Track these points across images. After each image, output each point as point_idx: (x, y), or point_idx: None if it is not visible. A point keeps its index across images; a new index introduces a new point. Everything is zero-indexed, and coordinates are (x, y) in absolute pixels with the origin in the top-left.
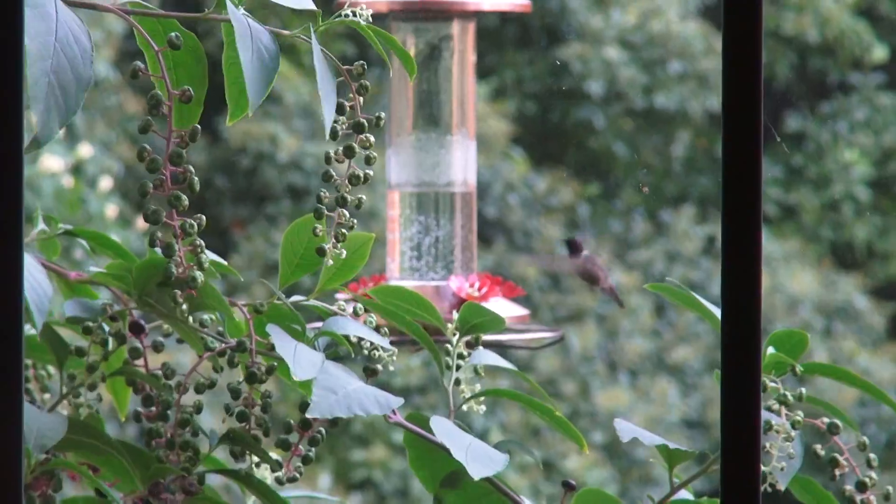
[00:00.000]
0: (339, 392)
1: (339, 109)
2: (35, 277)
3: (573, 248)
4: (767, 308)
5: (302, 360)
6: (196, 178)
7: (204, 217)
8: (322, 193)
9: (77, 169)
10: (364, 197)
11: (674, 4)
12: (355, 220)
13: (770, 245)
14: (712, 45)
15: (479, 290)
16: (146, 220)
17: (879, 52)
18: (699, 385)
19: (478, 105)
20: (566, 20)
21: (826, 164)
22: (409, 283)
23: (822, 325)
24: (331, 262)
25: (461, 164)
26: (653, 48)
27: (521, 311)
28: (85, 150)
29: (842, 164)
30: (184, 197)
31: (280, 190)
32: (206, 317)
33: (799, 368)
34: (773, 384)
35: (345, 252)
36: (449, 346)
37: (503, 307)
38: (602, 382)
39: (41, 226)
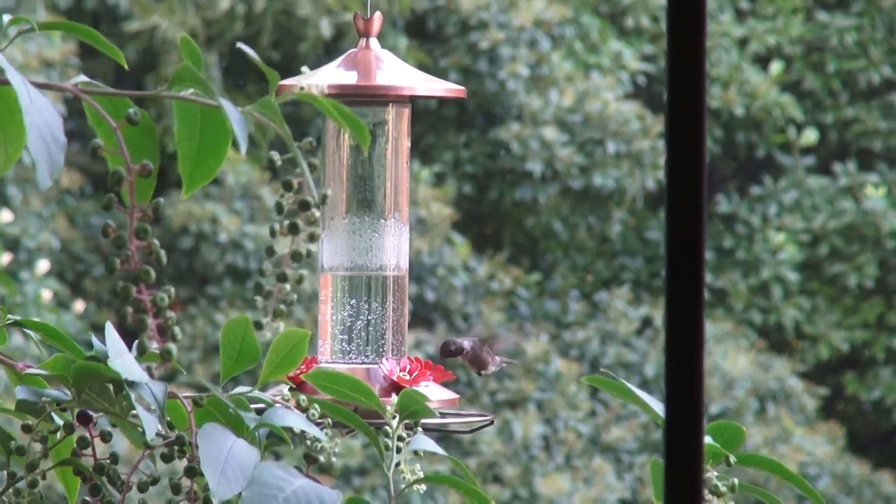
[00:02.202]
0: (280, 496)
1: (286, 186)
2: None
3: (447, 353)
4: (705, 389)
5: (232, 467)
6: (162, 252)
7: (173, 289)
8: (265, 267)
9: (14, 245)
10: (306, 273)
11: (610, 86)
12: (296, 296)
13: (705, 326)
14: (648, 126)
15: (410, 373)
16: (117, 296)
17: (810, 136)
18: (634, 464)
19: (419, 190)
20: (504, 102)
21: (755, 247)
22: (340, 367)
23: (757, 406)
24: (269, 334)
25: (394, 249)
26: (590, 128)
27: (450, 395)
28: (18, 225)
29: (772, 247)
30: (152, 271)
31: (221, 270)
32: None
33: (733, 459)
34: (707, 474)
35: (283, 325)
36: (388, 428)
37: (433, 391)
38: (542, 467)
39: None
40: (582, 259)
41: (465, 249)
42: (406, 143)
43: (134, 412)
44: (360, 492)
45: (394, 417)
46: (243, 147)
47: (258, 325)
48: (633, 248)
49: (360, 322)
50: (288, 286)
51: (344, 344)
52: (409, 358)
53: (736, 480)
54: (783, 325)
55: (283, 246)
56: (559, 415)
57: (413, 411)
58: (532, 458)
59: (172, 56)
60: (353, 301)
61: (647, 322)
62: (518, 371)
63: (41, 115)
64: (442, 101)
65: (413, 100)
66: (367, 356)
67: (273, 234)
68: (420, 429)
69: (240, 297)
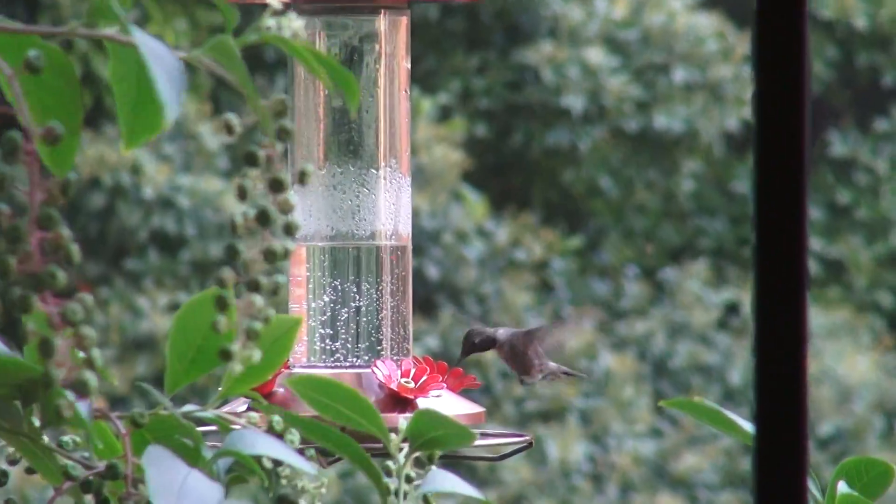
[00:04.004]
0: None
1: (250, 159)
2: None
3: (471, 347)
4: (812, 401)
5: (190, 501)
6: (75, 247)
7: (91, 297)
8: (237, 222)
9: None
10: (283, 278)
11: None
12: (273, 312)
13: (811, 316)
14: (729, 46)
15: (416, 380)
16: (9, 309)
17: None
18: (715, 503)
19: (416, 128)
20: (531, 11)
21: (881, 203)
22: (321, 372)
23: (883, 425)
24: (238, 368)
25: (390, 210)
26: (650, 50)
27: (473, 408)
28: None
29: None
30: (60, 273)
31: (144, 238)
32: (66, 438)
33: None
34: None
35: (258, 354)
36: (390, 463)
37: (450, 403)
38: (587, 502)
39: None
40: (640, 223)
41: (479, 208)
42: (405, 65)
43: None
44: None
45: (400, 449)
46: (171, 111)
47: (225, 356)
48: (711, 207)
49: (346, 311)
50: (261, 298)
51: (326, 341)
52: (414, 358)
53: None
54: None
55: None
56: (610, 430)
57: (432, 438)
58: (573, 490)
59: None
60: (337, 282)
61: (731, 309)
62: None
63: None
64: (447, 7)
65: (411, 4)
66: (357, 357)
67: (235, 228)
68: (434, 467)
69: (170, 274)
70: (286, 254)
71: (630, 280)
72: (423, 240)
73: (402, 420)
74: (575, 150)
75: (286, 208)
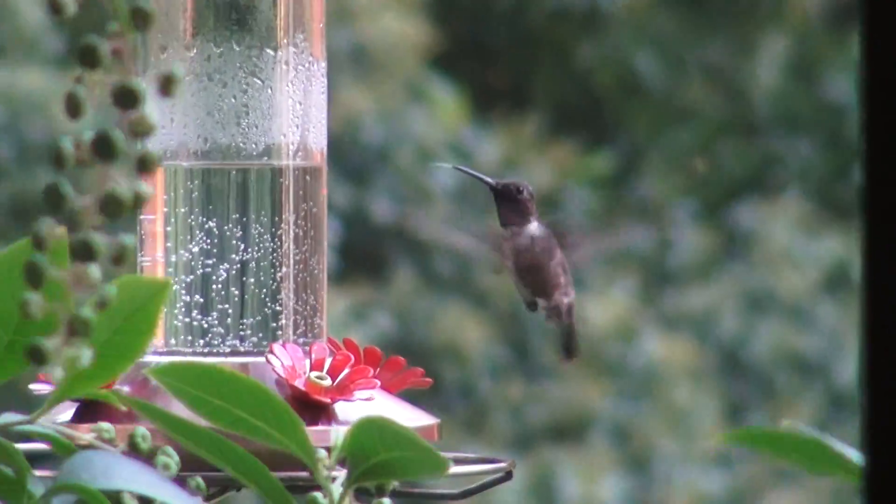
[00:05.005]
0: None
1: (86, 56)
2: None
3: (507, 195)
4: None
5: None
6: None
7: None
8: (63, 148)
9: None
10: (133, 241)
11: None
12: (113, 290)
13: None
14: None
15: (334, 374)
16: None
17: None
18: None
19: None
20: None
21: None
22: (192, 360)
23: None
24: (59, 373)
25: (296, 112)
26: None
27: (420, 418)
28: None
29: None
30: None
31: None
32: None
33: None
34: None
35: (88, 354)
36: (319, 497)
37: (386, 408)
38: None
39: None
40: (692, 136)
41: (452, 111)
42: None
43: None
44: None
45: (333, 477)
46: None
47: (35, 358)
48: (799, 114)
49: (225, 268)
50: (97, 269)
51: (194, 314)
52: (331, 342)
53: None
54: None
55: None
56: (656, 453)
57: (379, 464)
58: None
59: None
60: (212, 223)
61: (839, 271)
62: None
63: None
64: None
65: None
66: (242, 339)
67: (61, 160)
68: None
69: None
70: (138, 201)
71: (683, 223)
72: (368, 158)
73: (336, 433)
74: (596, 13)
75: (141, 130)
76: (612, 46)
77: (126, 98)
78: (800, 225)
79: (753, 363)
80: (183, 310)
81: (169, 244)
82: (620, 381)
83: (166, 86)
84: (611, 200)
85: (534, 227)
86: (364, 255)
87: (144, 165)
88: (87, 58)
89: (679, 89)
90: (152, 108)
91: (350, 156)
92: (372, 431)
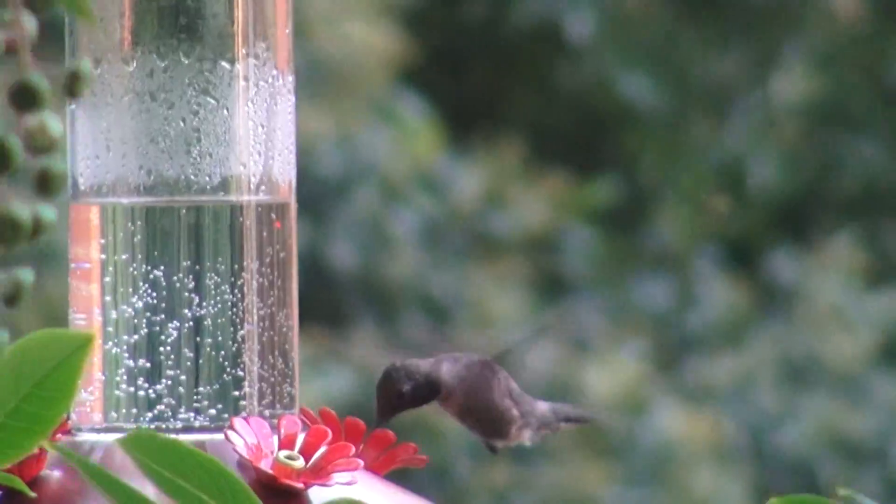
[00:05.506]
0: None
1: None
2: None
3: (397, 401)
4: None
5: None
6: None
7: None
8: None
9: None
10: (28, 275)
11: None
12: (4, 336)
13: None
14: None
15: (307, 454)
16: None
17: None
18: None
19: None
20: None
21: None
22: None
23: None
24: None
25: (258, 137)
26: None
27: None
28: None
29: None
30: None
31: None
32: None
33: None
34: None
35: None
36: None
37: (372, 494)
38: None
39: None
40: (708, 166)
41: (427, 136)
42: None
43: None
44: None
45: None
46: None
47: None
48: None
49: (175, 325)
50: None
51: (139, 382)
52: (304, 412)
53: None
54: None
55: None
56: None
57: None
58: None
59: None
60: (159, 272)
61: None
62: (570, 434)
63: None
64: None
65: None
66: (197, 411)
67: None
68: None
69: None
70: (38, 228)
71: (705, 272)
72: (326, 195)
73: None
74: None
75: (39, 143)
76: (590, 73)
77: (23, 98)
78: (852, 277)
79: (791, 446)
80: (125, 377)
81: (107, 298)
82: (627, 464)
83: (72, 85)
84: (618, 241)
85: (450, 380)
86: (324, 304)
87: (46, 183)
88: None
89: (683, 119)
90: (56, 117)
91: (301, 188)
92: None
